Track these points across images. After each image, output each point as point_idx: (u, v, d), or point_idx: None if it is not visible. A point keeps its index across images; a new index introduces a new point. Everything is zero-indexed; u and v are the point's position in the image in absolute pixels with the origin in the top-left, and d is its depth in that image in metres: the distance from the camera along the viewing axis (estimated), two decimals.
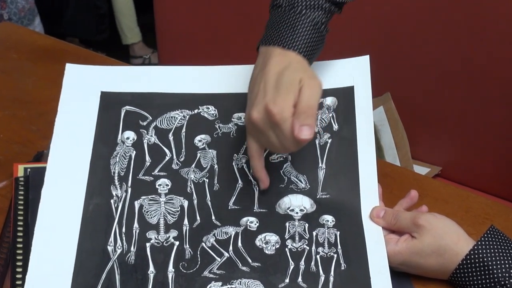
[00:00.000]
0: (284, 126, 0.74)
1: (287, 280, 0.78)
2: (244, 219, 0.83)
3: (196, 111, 0.91)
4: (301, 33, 0.81)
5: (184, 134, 0.90)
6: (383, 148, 1.48)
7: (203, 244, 0.81)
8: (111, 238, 0.80)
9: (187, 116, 0.91)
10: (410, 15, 1.41)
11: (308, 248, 0.81)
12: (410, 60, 1.45)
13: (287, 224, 0.83)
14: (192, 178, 0.86)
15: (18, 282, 0.76)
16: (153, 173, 0.86)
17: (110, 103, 0.90)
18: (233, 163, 0.88)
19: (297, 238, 0.82)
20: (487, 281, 0.76)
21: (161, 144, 0.88)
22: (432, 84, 1.44)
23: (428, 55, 1.42)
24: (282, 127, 0.74)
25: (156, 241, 0.81)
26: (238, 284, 0.77)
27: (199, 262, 0.79)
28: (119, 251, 0.79)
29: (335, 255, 0.81)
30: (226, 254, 0.80)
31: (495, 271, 0.76)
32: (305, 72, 0.77)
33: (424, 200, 0.92)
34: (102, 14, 2.78)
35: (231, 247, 0.81)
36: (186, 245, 0.81)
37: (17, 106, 1.12)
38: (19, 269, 0.77)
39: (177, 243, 0.81)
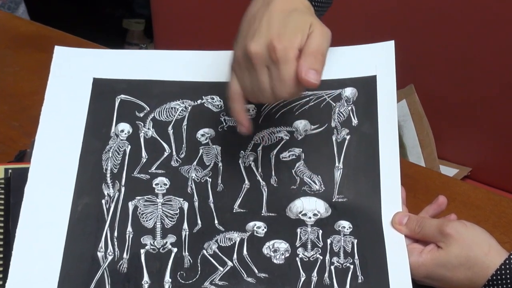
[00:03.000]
0: (284, 67, 0.73)
1: None
2: (251, 224, 0.82)
3: (199, 101, 0.90)
4: None
5: (185, 127, 0.89)
6: (406, 146, 1.49)
7: (204, 251, 0.80)
8: (102, 243, 0.79)
9: (189, 107, 0.90)
10: None
11: (321, 257, 0.80)
12: (436, 48, 1.45)
13: (298, 230, 0.82)
14: (193, 177, 0.85)
15: None
16: (149, 171, 0.85)
17: (103, 91, 0.89)
18: (240, 161, 0.87)
19: (309, 246, 0.81)
20: None
21: (159, 138, 0.87)
22: (460, 75, 1.45)
23: (456, 42, 1.42)
24: (281, 67, 0.73)
25: (152, 247, 0.80)
26: None
27: (199, 272, 0.78)
28: (110, 257, 0.79)
29: (352, 266, 0.80)
30: (230, 263, 0.79)
31: None
32: (315, 18, 0.76)
33: (452, 205, 0.92)
34: None
35: (235, 256, 0.80)
36: (185, 252, 0.80)
37: None
38: None
39: (175, 250, 0.80)
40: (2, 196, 0.84)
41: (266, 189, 0.85)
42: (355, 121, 0.89)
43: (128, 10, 2.90)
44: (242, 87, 0.77)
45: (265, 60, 0.74)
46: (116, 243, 0.79)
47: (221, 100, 0.90)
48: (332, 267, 0.80)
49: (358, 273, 0.79)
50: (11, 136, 1.03)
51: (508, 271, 0.75)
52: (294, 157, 0.87)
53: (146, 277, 0.77)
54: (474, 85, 1.43)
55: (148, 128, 0.88)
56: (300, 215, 0.83)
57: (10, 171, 0.87)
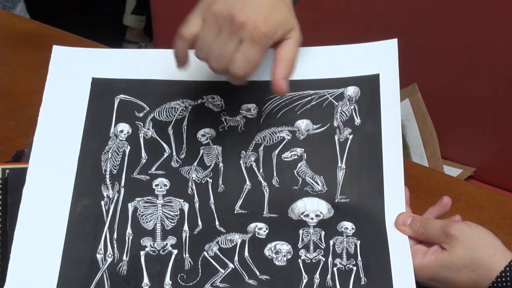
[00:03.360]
0: (256, 49, 0.74)
1: None
2: (252, 225, 0.82)
3: (199, 101, 0.90)
4: None
5: (185, 127, 0.88)
6: (409, 146, 1.48)
7: (205, 253, 0.80)
8: (101, 245, 0.79)
9: (189, 107, 0.89)
10: None
11: (324, 259, 0.80)
12: (440, 47, 1.45)
13: (300, 231, 0.82)
14: (193, 178, 0.85)
15: None
16: (149, 172, 0.85)
17: (102, 91, 0.89)
18: (241, 161, 0.86)
19: (311, 248, 0.81)
20: None
21: (159, 139, 0.87)
22: (464, 74, 1.44)
23: (460, 41, 1.41)
24: (254, 48, 0.74)
25: (152, 249, 0.79)
26: None
27: (200, 274, 0.78)
28: (109, 260, 0.78)
29: (355, 268, 0.79)
30: (231, 265, 0.79)
31: None
32: (296, 23, 0.78)
33: (455, 205, 0.91)
34: None
35: (236, 257, 0.79)
36: (185, 254, 0.79)
37: None
38: None
39: (175, 251, 0.79)
40: (0, 197, 0.84)
41: (267, 190, 0.85)
42: (357, 121, 0.88)
43: (139, 4, 2.90)
44: (201, 38, 0.77)
45: (244, 33, 0.74)
46: (115, 245, 0.79)
47: (222, 100, 0.90)
48: (335, 269, 0.79)
49: (361, 275, 0.78)
50: (8, 135, 1.03)
51: None
52: (296, 157, 0.87)
53: (146, 279, 0.77)
54: (478, 84, 1.42)
55: (148, 129, 0.88)
56: (302, 216, 0.83)
57: (7, 171, 0.86)
